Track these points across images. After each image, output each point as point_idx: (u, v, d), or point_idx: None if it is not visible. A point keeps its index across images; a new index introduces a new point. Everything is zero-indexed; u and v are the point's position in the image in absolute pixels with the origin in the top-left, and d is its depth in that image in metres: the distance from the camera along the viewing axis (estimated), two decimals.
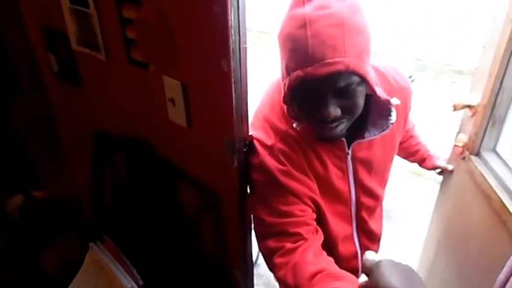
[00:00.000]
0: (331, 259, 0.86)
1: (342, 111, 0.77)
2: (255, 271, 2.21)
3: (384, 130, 0.88)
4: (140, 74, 0.95)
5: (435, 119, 3.57)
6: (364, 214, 1.04)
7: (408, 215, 2.61)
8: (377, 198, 1.03)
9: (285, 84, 0.77)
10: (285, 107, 0.83)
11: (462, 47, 4.80)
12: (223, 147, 0.86)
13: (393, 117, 0.86)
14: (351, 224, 1.03)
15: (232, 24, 0.71)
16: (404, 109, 0.97)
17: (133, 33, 0.91)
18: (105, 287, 1.06)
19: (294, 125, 0.84)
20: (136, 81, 0.98)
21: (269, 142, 0.87)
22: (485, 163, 1.10)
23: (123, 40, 0.94)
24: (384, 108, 0.87)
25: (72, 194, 1.54)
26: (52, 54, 1.21)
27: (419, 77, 4.36)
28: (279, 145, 0.87)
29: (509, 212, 0.94)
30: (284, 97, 0.79)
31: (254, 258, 2.12)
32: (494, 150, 1.14)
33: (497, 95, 1.05)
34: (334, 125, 0.79)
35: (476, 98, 1.11)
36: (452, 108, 1.17)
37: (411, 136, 1.25)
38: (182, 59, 0.84)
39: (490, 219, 1.04)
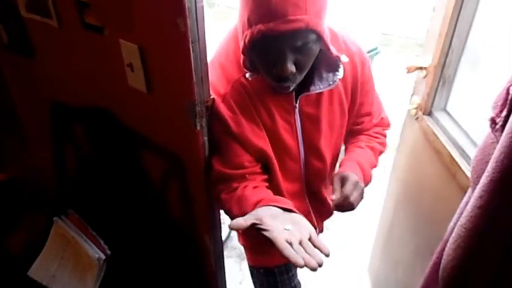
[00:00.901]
0: (269, 191, 0.93)
1: (296, 67, 0.80)
2: (229, 244, 2.25)
3: (330, 85, 0.90)
4: (96, 40, 0.92)
5: (398, 90, 3.66)
6: (314, 178, 1.07)
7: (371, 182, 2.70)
8: (324, 160, 1.04)
9: (246, 36, 0.77)
10: (240, 56, 0.84)
11: (426, 21, 4.90)
12: (185, 111, 0.86)
13: (341, 73, 0.89)
14: (301, 183, 1.07)
15: None
16: (353, 72, 0.97)
17: None
18: (72, 259, 1.05)
19: (247, 75, 0.86)
20: (91, 47, 0.95)
21: (222, 90, 0.89)
22: (437, 122, 1.15)
23: (75, 3, 0.90)
24: (332, 64, 0.90)
25: (36, 172, 1.49)
26: (0, 23, 1.14)
27: (384, 51, 4.43)
28: (231, 93, 0.89)
29: (458, 165, 1.00)
30: (244, 48, 0.80)
31: (228, 232, 2.16)
32: (444, 110, 1.18)
33: (447, 55, 1.08)
34: (287, 84, 0.83)
35: (427, 60, 1.14)
36: (406, 71, 1.21)
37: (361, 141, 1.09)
38: (138, 21, 0.82)
39: (441, 174, 1.10)
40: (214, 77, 0.89)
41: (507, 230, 0.63)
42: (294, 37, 0.75)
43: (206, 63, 0.82)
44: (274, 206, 0.81)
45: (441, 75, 1.12)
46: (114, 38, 0.87)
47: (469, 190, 0.79)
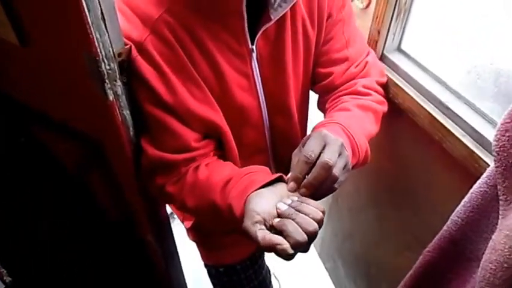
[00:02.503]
0: (228, 162, 0.71)
1: None
2: None
3: None
4: None
5: None
6: (282, 145, 0.79)
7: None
8: (290, 116, 0.76)
9: None
10: None
11: None
12: (86, 72, 0.54)
13: None
14: (267, 155, 0.80)
15: None
16: None
17: None
18: None
19: None
20: None
21: (136, 37, 0.57)
22: (396, 68, 0.82)
23: None
24: None
25: None
26: None
27: None
28: (152, 40, 0.57)
29: (445, 128, 0.71)
30: None
31: None
32: (399, 49, 0.87)
33: None
34: None
35: None
36: None
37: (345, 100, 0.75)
38: None
39: (415, 139, 0.83)
40: (120, 19, 0.57)
41: None
42: None
43: None
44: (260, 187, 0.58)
45: (396, 2, 0.78)
46: None
47: (491, 170, 0.56)
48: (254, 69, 0.67)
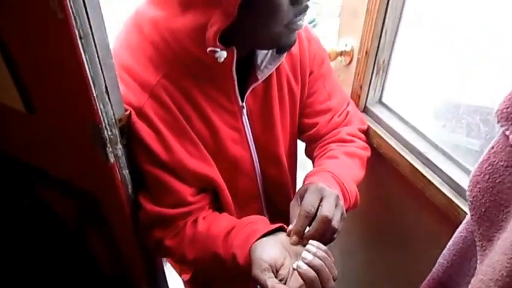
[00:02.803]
0: (225, 213, 0.74)
1: None
2: None
3: (279, 59, 0.67)
4: None
5: None
6: (275, 193, 0.84)
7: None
8: (281, 165, 0.80)
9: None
10: (210, 29, 0.55)
11: None
12: (89, 137, 0.58)
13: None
14: (259, 202, 0.84)
15: None
16: (301, 49, 0.74)
17: None
18: None
19: (217, 54, 0.57)
20: None
21: (135, 102, 0.62)
22: (379, 121, 0.88)
23: None
24: None
25: None
26: None
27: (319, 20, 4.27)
28: (151, 104, 0.62)
29: (425, 178, 0.76)
30: (232, 13, 0.53)
31: None
32: (381, 102, 0.93)
33: (381, 36, 0.82)
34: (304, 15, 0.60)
35: (350, 42, 0.88)
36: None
37: (332, 148, 0.80)
38: None
39: (398, 186, 0.88)
40: (120, 86, 0.61)
41: None
42: None
43: (111, 66, 0.55)
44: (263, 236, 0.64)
45: (375, 62, 0.86)
46: None
47: (468, 221, 0.60)
48: (245, 124, 0.72)
